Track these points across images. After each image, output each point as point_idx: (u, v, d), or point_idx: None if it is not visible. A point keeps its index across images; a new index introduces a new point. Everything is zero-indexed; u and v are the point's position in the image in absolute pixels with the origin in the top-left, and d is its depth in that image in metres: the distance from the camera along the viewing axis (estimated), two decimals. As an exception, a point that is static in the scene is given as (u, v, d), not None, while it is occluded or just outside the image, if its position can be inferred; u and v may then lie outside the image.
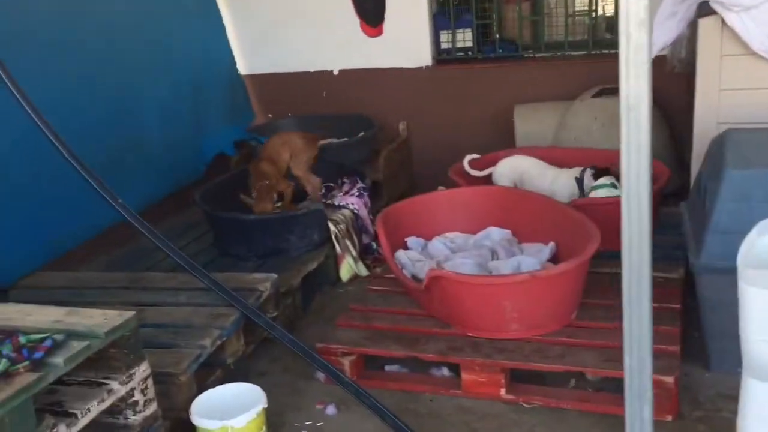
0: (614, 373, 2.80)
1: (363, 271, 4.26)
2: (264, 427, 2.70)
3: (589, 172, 3.95)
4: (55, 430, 2.09)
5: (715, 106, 3.51)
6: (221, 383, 2.93)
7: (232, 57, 5.91)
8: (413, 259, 3.71)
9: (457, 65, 5.53)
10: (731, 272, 2.80)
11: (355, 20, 5.52)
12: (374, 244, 4.48)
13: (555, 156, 4.42)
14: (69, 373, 2.19)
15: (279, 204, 4.47)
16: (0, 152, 3.74)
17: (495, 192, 4.10)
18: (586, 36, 5.45)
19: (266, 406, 2.69)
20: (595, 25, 5.43)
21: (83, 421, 2.20)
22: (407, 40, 5.47)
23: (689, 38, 3.83)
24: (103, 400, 2.28)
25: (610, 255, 3.34)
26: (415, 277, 3.56)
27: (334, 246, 4.19)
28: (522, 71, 5.35)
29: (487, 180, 4.46)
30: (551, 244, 3.57)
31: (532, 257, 3.48)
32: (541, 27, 5.49)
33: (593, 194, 3.88)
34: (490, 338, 3.07)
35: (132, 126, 4.76)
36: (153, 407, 2.49)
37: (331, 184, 4.75)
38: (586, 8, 5.51)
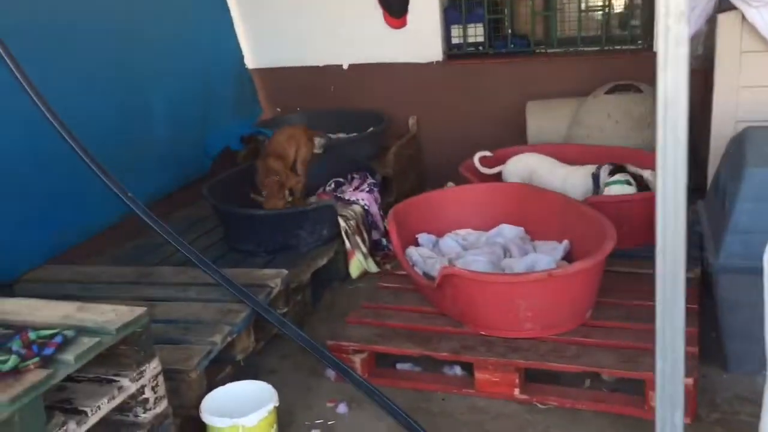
0: (631, 374, 2.76)
1: (373, 268, 4.22)
2: (275, 426, 2.66)
3: (606, 169, 3.89)
4: (64, 428, 2.05)
5: (733, 104, 3.46)
6: (231, 380, 2.90)
7: (240, 51, 5.86)
8: (424, 256, 3.67)
9: (468, 60, 5.47)
10: (751, 272, 2.75)
11: (365, 14, 5.45)
12: (384, 240, 4.43)
13: (568, 153, 4.37)
14: (79, 370, 2.15)
15: (290, 199, 4.43)
16: (7, 145, 3.70)
17: (507, 188, 4.04)
18: (599, 32, 5.38)
19: (278, 404, 2.66)
20: (608, 21, 5.36)
21: (93, 419, 2.16)
22: (418, 34, 5.41)
23: (707, 34, 3.77)
24: (113, 398, 2.24)
25: (623, 254, 3.36)
26: (426, 275, 3.51)
27: (343, 242, 4.15)
28: (534, 67, 5.30)
29: (498, 177, 4.40)
30: (565, 242, 3.52)
31: (546, 255, 3.43)
32: (553, 22, 5.42)
33: (606, 190, 3.83)
34: (504, 337, 3.03)
35: (139, 120, 4.72)
36: (163, 405, 2.45)
37: (341, 180, 4.71)
38: (600, 4, 5.45)
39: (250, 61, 5.91)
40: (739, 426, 2.70)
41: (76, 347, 2.10)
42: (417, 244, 3.85)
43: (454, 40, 5.52)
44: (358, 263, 4.18)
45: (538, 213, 3.79)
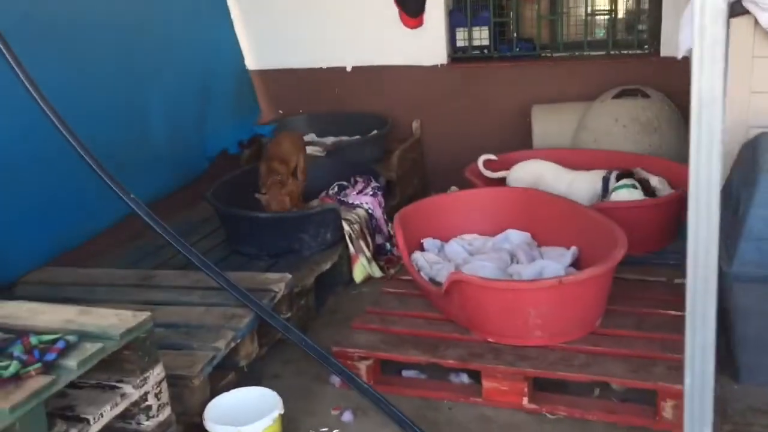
0: (644, 384, 2.71)
1: (377, 272, 4.17)
2: (280, 434, 2.61)
3: (614, 174, 3.85)
4: (66, 436, 2.00)
5: (745, 110, 3.40)
6: (234, 386, 2.85)
7: (240, 52, 5.81)
8: (431, 261, 3.62)
9: (473, 64, 5.42)
10: (766, 280, 2.72)
11: (369, 15, 5.41)
12: (388, 245, 4.38)
13: (576, 158, 4.32)
14: (81, 376, 2.09)
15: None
16: (7, 146, 3.65)
17: (513, 193, 4.00)
18: (605, 36, 5.34)
19: (282, 412, 2.60)
20: (614, 25, 5.32)
21: (95, 427, 2.11)
22: (422, 37, 5.36)
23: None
24: (116, 405, 2.19)
25: (632, 260, 3.31)
26: (432, 280, 3.46)
27: (347, 246, 4.09)
28: (539, 71, 5.25)
29: (503, 181, 4.36)
30: (573, 248, 3.47)
31: (554, 261, 3.38)
32: (559, 26, 5.38)
33: (614, 195, 3.78)
34: (512, 345, 2.97)
35: (138, 120, 4.68)
36: (167, 412, 2.40)
37: (344, 183, 4.65)
38: (606, 8, 5.42)
39: (253, 63, 5.86)
40: (753, 438, 2.66)
41: (78, 353, 2.05)
42: (422, 249, 3.80)
43: (459, 43, 5.47)
44: (362, 268, 4.13)
45: (545, 218, 3.74)
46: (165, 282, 3.48)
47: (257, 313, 3.03)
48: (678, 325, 2.99)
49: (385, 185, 4.64)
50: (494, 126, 5.30)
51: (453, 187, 5.32)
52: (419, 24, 5.29)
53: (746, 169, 2.97)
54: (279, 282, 3.36)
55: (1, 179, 3.59)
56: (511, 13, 5.38)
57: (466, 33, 5.42)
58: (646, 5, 5.34)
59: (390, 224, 4.44)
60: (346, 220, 4.10)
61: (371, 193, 4.43)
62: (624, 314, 3.15)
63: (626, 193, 3.68)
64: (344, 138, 5.44)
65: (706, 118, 1.20)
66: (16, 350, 2.00)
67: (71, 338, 2.10)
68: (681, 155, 4.37)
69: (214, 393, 2.75)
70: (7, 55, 2.62)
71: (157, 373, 2.34)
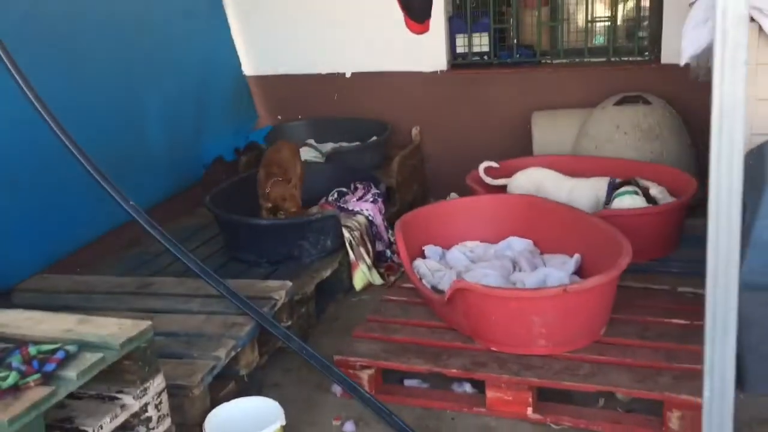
0: (651, 395, 2.67)
1: (377, 280, 4.14)
2: (281, 445, 2.56)
3: (616, 182, 3.83)
4: (66, 448, 1.96)
5: (750, 117, 3.38)
6: (234, 396, 2.80)
7: (236, 59, 5.77)
8: (432, 268, 3.59)
9: (473, 70, 5.39)
10: (775, 290, 2.70)
11: (368, 21, 5.38)
12: (388, 252, 4.35)
13: (578, 165, 4.30)
14: (80, 386, 2.05)
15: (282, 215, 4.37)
16: (2, 152, 3.61)
17: (515, 200, 3.96)
18: (606, 42, 5.33)
19: (284, 423, 2.56)
20: (614, 32, 5.30)
21: (95, 439, 2.07)
22: (422, 43, 5.33)
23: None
24: (116, 416, 2.15)
25: (635, 268, 3.27)
26: (434, 288, 3.43)
27: (347, 253, 4.06)
28: (539, 77, 5.23)
29: (504, 189, 4.32)
30: (576, 255, 3.44)
31: (557, 269, 3.35)
32: (560, 33, 5.36)
33: (617, 201, 3.75)
34: (516, 354, 2.94)
35: (134, 128, 4.64)
36: (167, 423, 2.36)
37: (344, 189, 4.62)
38: (606, 15, 5.40)
39: (252, 69, 5.82)
40: (759, 449, 2.63)
41: (78, 363, 2.01)
42: (423, 256, 3.76)
43: (459, 50, 5.45)
44: (362, 275, 4.10)
45: (547, 226, 3.72)
46: (163, 289, 3.44)
47: (258, 321, 2.99)
48: (683, 335, 2.99)
49: (385, 192, 4.60)
50: (494, 132, 5.27)
51: (453, 194, 5.31)
52: (425, 30, 5.26)
53: (752, 177, 2.93)
54: (279, 290, 3.32)
55: (-1, 185, 3.57)
56: (511, 20, 5.36)
57: (466, 39, 5.39)
58: (646, 12, 5.33)
59: (390, 231, 4.42)
60: (347, 226, 4.07)
61: (371, 199, 4.39)
62: (628, 323, 3.12)
63: (629, 200, 3.66)
64: (343, 144, 5.41)
65: (728, 125, 1.17)
66: (15, 360, 1.96)
67: (71, 348, 2.06)
68: (683, 162, 4.36)
69: (214, 403, 2.71)
70: (6, 61, 2.59)
71: (157, 383, 2.30)
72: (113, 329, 2.19)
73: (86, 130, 3.72)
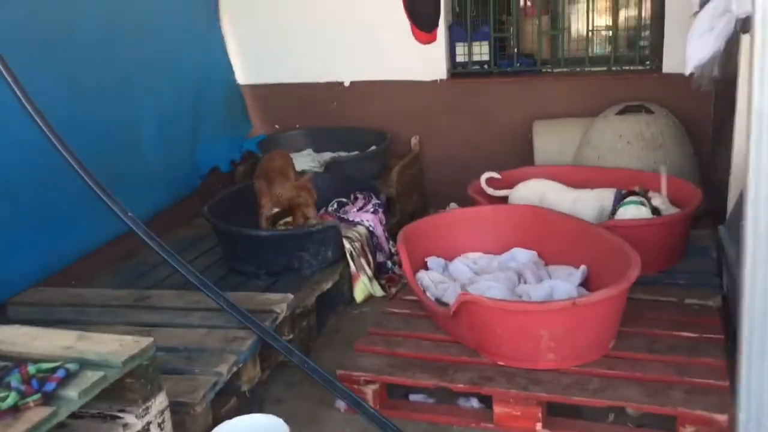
0: (660, 409, 2.62)
1: (378, 292, 4.08)
2: (286, 464, 2.50)
3: (622, 193, 3.79)
4: (66, 471, 1.89)
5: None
6: (236, 413, 2.74)
7: (230, 68, 5.71)
8: (436, 280, 3.53)
9: (473, 79, 5.35)
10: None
11: (366, 30, 5.34)
12: (389, 263, 4.29)
13: (582, 175, 4.25)
14: (81, 405, 1.99)
15: (283, 222, 4.32)
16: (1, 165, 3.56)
17: (519, 211, 3.91)
18: (607, 51, 5.30)
19: (290, 440, 2.49)
20: (615, 41, 5.26)
21: (97, 460, 2.00)
22: (421, 52, 5.28)
23: (727, 55, 3.65)
24: (117, 436, 2.08)
25: (642, 280, 3.22)
26: (438, 300, 3.37)
27: (348, 264, 4.00)
28: (540, 86, 5.19)
29: (505, 200, 4.27)
30: (582, 267, 3.38)
31: (563, 281, 3.30)
32: (560, 42, 5.32)
33: (621, 210, 3.69)
34: (524, 368, 2.88)
35: (130, 139, 4.57)
36: (169, 442, 2.29)
37: (344, 200, 4.56)
38: (606, 24, 5.38)
39: (250, 77, 5.74)
40: (774, 465, 2.57)
41: (79, 382, 1.95)
42: (426, 268, 3.71)
43: (459, 58, 5.41)
44: (363, 287, 4.04)
45: (551, 236, 3.66)
46: (161, 303, 3.37)
47: (260, 335, 2.93)
48: (693, 348, 2.94)
49: (386, 202, 4.55)
50: (495, 142, 5.23)
51: (452, 204, 5.25)
52: (433, 39, 5.21)
53: None
54: (281, 303, 3.25)
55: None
56: (512, 29, 5.32)
57: (466, 48, 5.35)
58: (646, 21, 5.30)
59: (391, 242, 4.36)
60: (347, 237, 4.01)
61: (372, 210, 4.34)
62: (636, 336, 3.07)
63: (634, 210, 3.60)
64: (342, 153, 5.35)
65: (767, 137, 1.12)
66: (14, 380, 1.90)
67: (71, 366, 1.99)
68: (686, 172, 4.32)
69: (216, 420, 2.64)
70: (5, 74, 2.53)
71: (159, 401, 2.23)
72: (114, 346, 2.13)
73: (81, 141, 3.68)
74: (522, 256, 3.67)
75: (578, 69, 5.23)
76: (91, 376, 1.97)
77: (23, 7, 3.74)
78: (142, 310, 3.32)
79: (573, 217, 3.65)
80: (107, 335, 2.22)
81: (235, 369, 2.80)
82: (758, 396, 1.21)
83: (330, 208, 4.50)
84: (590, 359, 2.90)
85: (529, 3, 5.64)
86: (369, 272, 4.08)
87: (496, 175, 4.36)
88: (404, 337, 3.25)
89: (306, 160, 5.29)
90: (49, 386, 1.89)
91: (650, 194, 3.83)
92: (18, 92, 2.61)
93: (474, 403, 2.99)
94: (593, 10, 5.24)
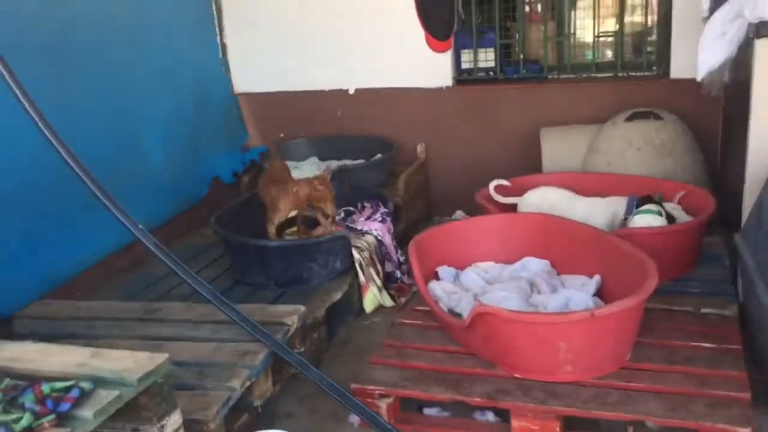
0: (682, 423, 2.57)
1: (388, 302, 4.03)
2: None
3: (637, 199, 3.74)
4: (81, 493, 1.84)
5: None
6: (248, 429, 2.70)
7: (226, 78, 5.67)
8: (448, 291, 3.48)
9: (479, 86, 5.32)
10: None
11: (371, 37, 5.30)
12: (398, 273, 4.24)
13: (592, 182, 4.21)
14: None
15: (289, 232, 4.27)
16: (3, 175, 3.51)
17: (530, 219, 3.86)
18: (614, 57, 5.27)
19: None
20: (621, 46, 5.23)
21: (111, 481, 1.95)
22: (426, 59, 5.24)
23: (739, 60, 3.62)
24: (133, 456, 2.03)
25: (656, 289, 3.16)
26: (451, 311, 3.32)
27: (357, 274, 3.95)
28: (546, 93, 5.16)
29: (514, 207, 4.22)
30: (597, 276, 3.34)
31: (578, 291, 3.25)
32: (567, 48, 5.28)
33: (637, 218, 3.64)
34: (542, 381, 2.83)
35: (132, 149, 4.56)
36: (184, 461, 2.24)
37: (351, 209, 4.51)
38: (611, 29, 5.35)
39: (254, 86, 5.70)
40: (798, 478, 2.53)
41: (94, 402, 1.90)
42: (437, 278, 3.66)
43: (465, 65, 5.37)
44: (373, 297, 3.99)
45: (563, 245, 3.62)
46: (171, 315, 3.32)
47: (272, 349, 2.88)
48: (713, 359, 2.89)
49: (393, 210, 4.50)
50: (501, 149, 5.19)
51: (458, 212, 5.21)
52: (447, 48, 5.18)
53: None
54: (292, 315, 3.21)
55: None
56: (517, 35, 5.29)
57: (472, 55, 5.32)
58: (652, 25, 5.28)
59: (399, 251, 4.31)
60: (356, 247, 3.96)
61: (380, 219, 4.29)
62: (654, 347, 3.02)
63: (651, 219, 3.55)
64: (348, 162, 5.31)
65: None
66: (28, 400, 1.85)
67: (85, 385, 1.94)
68: (697, 179, 4.28)
69: (229, 437, 2.60)
70: (12, 84, 2.48)
71: (174, 419, 2.19)
72: (128, 363, 2.08)
73: (84, 154, 3.65)
74: (534, 265, 3.63)
75: (585, 75, 5.19)
76: (106, 396, 1.92)
77: (22, 18, 3.70)
78: (152, 323, 3.27)
79: (586, 225, 3.61)
80: (121, 351, 2.18)
81: (247, 384, 2.75)
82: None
83: (337, 217, 4.44)
84: (608, 371, 2.85)
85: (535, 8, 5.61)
86: (378, 282, 4.03)
87: (505, 182, 4.31)
88: (418, 349, 3.20)
89: (311, 169, 5.26)
90: (64, 406, 1.84)
91: (664, 202, 3.80)
92: (26, 104, 2.56)
93: (490, 416, 2.94)
94: (599, 16, 5.21)
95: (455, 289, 3.50)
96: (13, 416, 1.78)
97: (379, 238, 4.19)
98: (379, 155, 5.17)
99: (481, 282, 3.58)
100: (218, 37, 5.58)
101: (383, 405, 2.93)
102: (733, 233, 3.55)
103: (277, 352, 2.88)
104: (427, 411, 3.03)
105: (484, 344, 2.98)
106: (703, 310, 3.34)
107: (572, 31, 5.36)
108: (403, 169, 5.08)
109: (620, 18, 5.17)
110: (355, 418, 2.99)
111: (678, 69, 4.75)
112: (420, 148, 5.40)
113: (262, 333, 2.89)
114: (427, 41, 5.14)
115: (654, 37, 5.24)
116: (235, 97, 5.73)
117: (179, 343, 3.04)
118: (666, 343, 3.06)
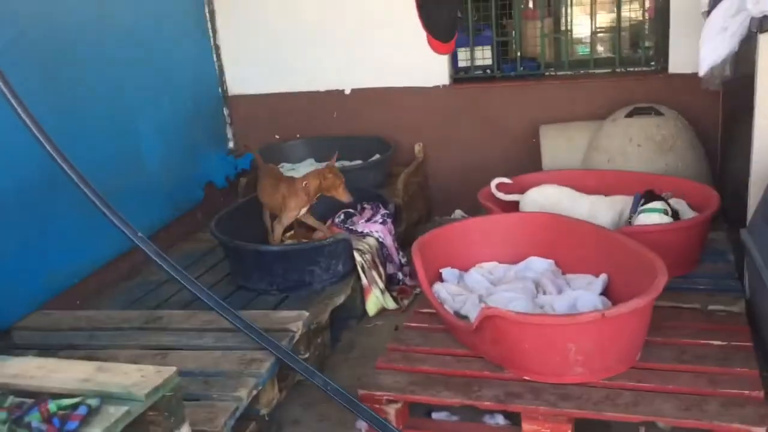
0: (697, 423, 2.53)
1: (391, 304, 3.99)
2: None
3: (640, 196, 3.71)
4: None
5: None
6: (257, 439, 2.65)
7: (220, 80, 5.62)
8: (452, 293, 3.44)
9: (476, 84, 5.28)
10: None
11: (366, 37, 5.26)
12: (400, 274, 4.21)
13: (595, 179, 4.17)
14: (103, 441, 1.89)
15: (288, 236, 4.23)
16: (1, 183, 3.47)
17: (533, 218, 3.81)
18: (612, 53, 5.24)
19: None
20: (619, 42, 5.19)
21: (120, 499, 1.90)
22: (423, 58, 5.20)
23: (740, 55, 3.59)
24: (141, 474, 1.98)
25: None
26: (456, 313, 3.28)
27: (359, 277, 3.91)
28: (544, 90, 5.13)
29: (516, 205, 4.18)
30: (603, 275, 3.30)
31: (585, 291, 3.22)
32: (564, 44, 5.25)
33: (642, 216, 3.60)
34: (552, 383, 2.79)
35: (128, 155, 4.51)
36: (193, 475, 2.19)
37: (351, 210, 4.47)
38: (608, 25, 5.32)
39: (248, 88, 5.63)
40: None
41: (102, 419, 1.85)
42: (441, 279, 3.62)
43: (461, 63, 5.34)
44: (376, 299, 3.95)
45: (569, 244, 3.57)
46: (173, 324, 3.27)
47: (278, 357, 2.83)
48: (724, 357, 2.86)
49: (393, 211, 4.46)
50: (500, 147, 5.16)
51: (458, 211, 5.19)
52: (450, 50, 5.13)
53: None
54: (296, 320, 3.16)
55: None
56: (513, 32, 5.25)
57: (469, 53, 5.28)
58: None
59: (401, 253, 4.27)
60: (357, 250, 3.93)
61: (381, 220, 4.25)
62: (663, 346, 2.98)
63: (657, 218, 3.52)
64: (345, 163, 5.26)
65: None
66: (34, 420, 1.80)
67: (93, 402, 1.89)
68: (698, 174, 4.25)
69: (236, 448, 2.56)
70: (8, 94, 2.43)
71: (183, 433, 2.14)
72: (136, 377, 2.03)
73: (80, 159, 3.61)
74: (538, 265, 3.59)
75: (583, 71, 5.16)
76: (114, 412, 1.87)
77: (19, 24, 3.65)
78: (154, 332, 3.22)
79: (591, 223, 3.57)
80: (127, 365, 2.13)
81: (254, 393, 2.71)
82: None
83: (337, 220, 4.40)
84: (618, 371, 2.82)
85: (531, 5, 5.57)
86: (381, 285, 3.99)
87: (506, 180, 4.27)
88: (425, 352, 3.15)
89: (308, 171, 5.19)
90: (71, 425, 1.80)
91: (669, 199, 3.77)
92: (21, 112, 2.52)
93: (500, 419, 2.91)
94: (595, 12, 5.18)
95: (460, 291, 3.46)
96: (20, 437, 1.73)
97: (380, 239, 4.15)
98: (376, 156, 5.12)
99: (486, 283, 3.54)
100: (212, 40, 5.53)
101: (391, 411, 2.88)
102: (736, 228, 3.53)
103: (284, 360, 2.84)
104: (435, 415, 2.99)
105: (492, 347, 2.94)
106: (711, 307, 3.31)
107: (569, 28, 5.31)
108: (401, 170, 5.04)
109: (617, 13, 5.13)
110: (362, 425, 2.95)
111: (676, 64, 4.73)
112: (418, 147, 5.36)
113: (267, 341, 2.86)
114: (429, 43, 5.09)
115: (651, 32, 5.21)
116: (222, 99, 5.67)
117: (183, 352, 3.00)
118: (675, 341, 3.02)
